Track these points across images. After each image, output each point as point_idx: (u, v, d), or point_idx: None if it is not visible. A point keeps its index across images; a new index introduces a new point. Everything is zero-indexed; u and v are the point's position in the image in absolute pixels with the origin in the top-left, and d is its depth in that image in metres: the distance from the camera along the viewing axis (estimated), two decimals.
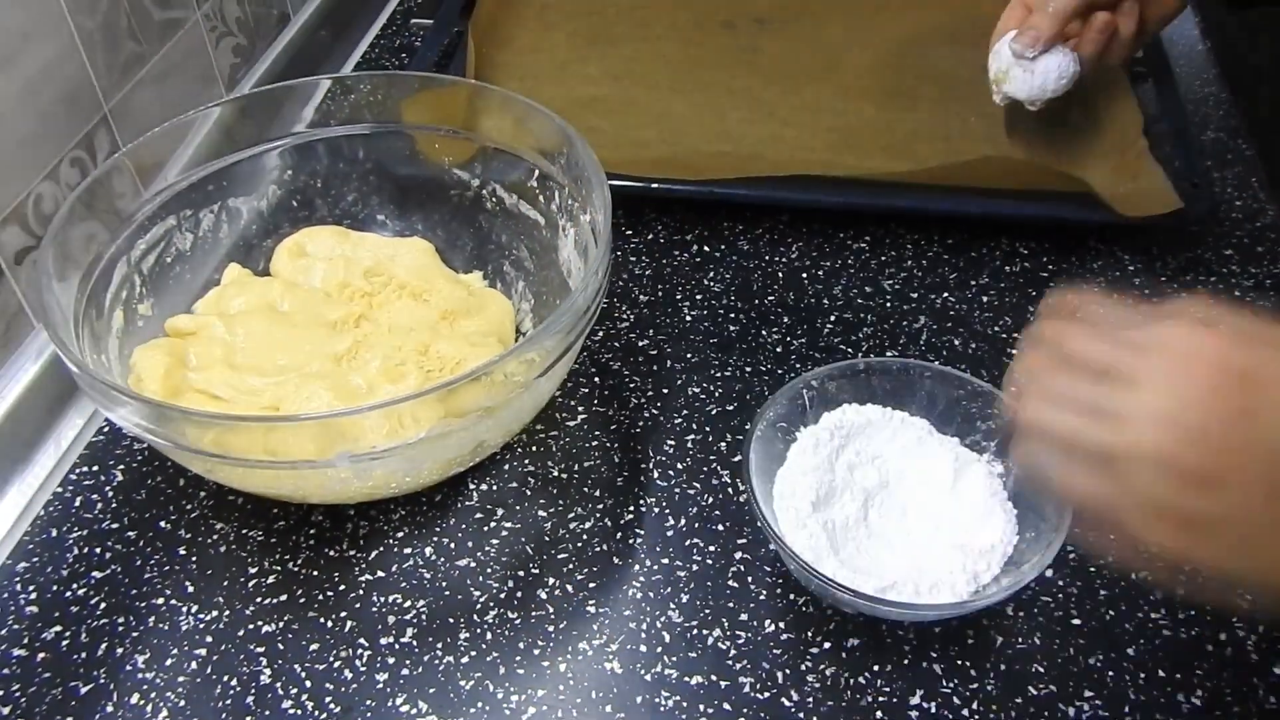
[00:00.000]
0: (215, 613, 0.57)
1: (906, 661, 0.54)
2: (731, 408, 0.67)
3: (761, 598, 0.57)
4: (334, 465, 0.52)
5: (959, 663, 0.54)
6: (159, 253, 0.67)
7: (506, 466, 0.64)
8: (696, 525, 0.61)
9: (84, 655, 0.56)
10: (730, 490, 0.63)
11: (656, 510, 0.62)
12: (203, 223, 0.70)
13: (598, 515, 0.62)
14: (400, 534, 0.61)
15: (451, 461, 0.58)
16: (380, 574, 0.59)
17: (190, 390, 0.61)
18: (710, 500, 0.62)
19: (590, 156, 0.62)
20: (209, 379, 0.61)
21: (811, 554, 0.54)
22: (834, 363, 0.61)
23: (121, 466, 0.65)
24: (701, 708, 0.53)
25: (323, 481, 0.55)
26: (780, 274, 0.76)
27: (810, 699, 0.53)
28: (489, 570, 0.59)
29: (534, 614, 0.57)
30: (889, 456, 0.60)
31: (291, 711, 0.53)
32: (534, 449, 0.65)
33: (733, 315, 0.73)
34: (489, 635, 0.56)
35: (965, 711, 0.52)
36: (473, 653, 0.56)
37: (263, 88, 0.71)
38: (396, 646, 0.56)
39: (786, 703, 0.53)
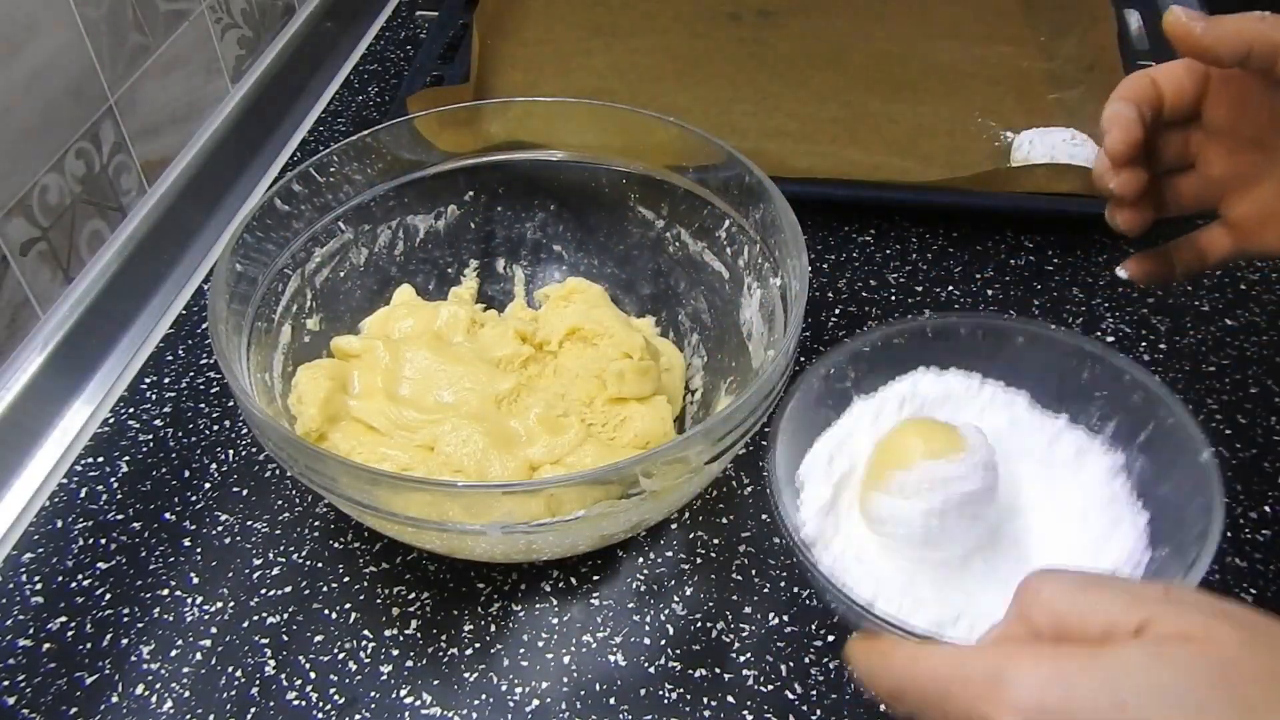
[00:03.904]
0: (220, 604, 0.58)
1: None
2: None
3: (765, 590, 0.57)
4: (485, 534, 0.50)
5: None
6: (333, 266, 0.66)
7: None
8: (700, 518, 0.61)
9: (89, 646, 0.56)
10: (735, 483, 0.63)
11: None
12: (379, 239, 0.68)
13: None
14: None
15: (608, 536, 0.55)
16: (384, 566, 0.59)
17: (348, 418, 0.60)
18: (715, 493, 0.62)
19: (791, 219, 0.57)
20: (367, 409, 0.60)
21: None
22: (896, 323, 0.49)
23: (126, 458, 0.65)
24: (705, 700, 0.53)
25: (472, 544, 0.54)
26: None
27: (814, 692, 0.53)
28: (492, 563, 0.59)
29: (538, 606, 0.57)
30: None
31: (296, 703, 0.53)
32: None
33: None
34: (493, 627, 0.56)
35: None
36: (476, 645, 0.56)
37: (465, 104, 0.69)
38: (400, 638, 0.56)
39: (790, 695, 0.53)
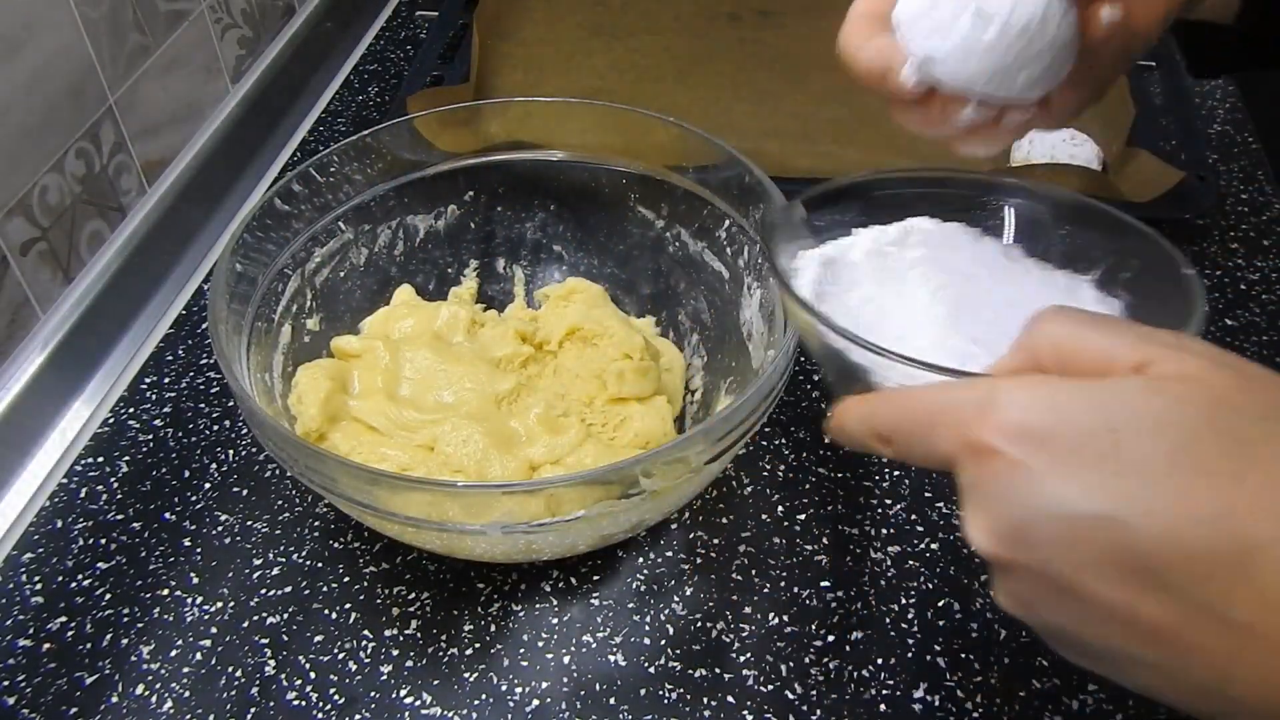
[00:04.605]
0: (220, 604, 0.58)
1: (910, 655, 0.54)
2: None
3: (765, 590, 0.57)
4: (485, 534, 0.50)
5: (962, 656, 0.54)
6: (333, 266, 0.66)
7: None
8: (700, 518, 0.61)
9: (89, 646, 0.56)
10: (735, 483, 0.63)
11: None
12: (379, 239, 0.68)
13: None
14: None
15: (608, 536, 0.55)
16: (385, 566, 0.59)
17: (348, 418, 0.60)
18: (715, 493, 0.62)
19: None
20: (367, 409, 0.60)
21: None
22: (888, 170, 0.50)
23: (126, 458, 0.65)
24: (705, 700, 0.53)
25: (471, 544, 0.54)
26: None
27: (814, 692, 0.53)
28: (492, 563, 0.59)
29: (538, 606, 0.57)
30: (976, 274, 0.45)
31: (295, 703, 0.53)
32: None
33: None
34: (493, 627, 0.56)
35: (969, 705, 0.52)
36: (477, 645, 0.56)
37: (465, 104, 0.69)
38: (401, 638, 0.56)
39: (790, 695, 0.53)
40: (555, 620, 0.57)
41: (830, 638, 0.55)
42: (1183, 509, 0.28)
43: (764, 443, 0.65)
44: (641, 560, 0.59)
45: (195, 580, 0.59)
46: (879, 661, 0.54)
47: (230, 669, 0.55)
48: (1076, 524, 0.29)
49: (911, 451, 0.34)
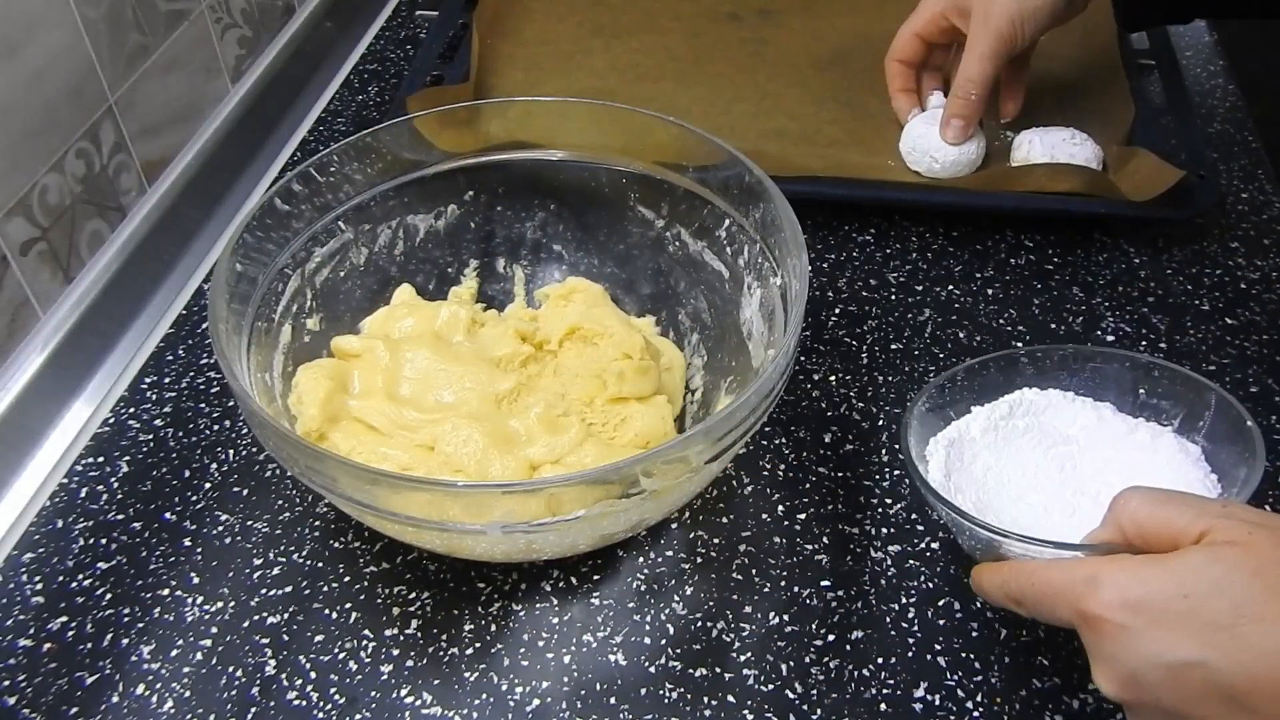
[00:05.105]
0: (220, 604, 0.58)
1: (911, 654, 0.54)
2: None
3: (765, 590, 0.57)
4: (485, 533, 0.50)
5: (963, 655, 0.54)
6: (333, 266, 0.66)
7: None
8: (700, 518, 0.61)
9: (89, 646, 0.56)
10: (735, 483, 0.63)
11: None
12: (379, 238, 0.68)
13: None
14: None
15: (608, 536, 0.56)
16: (385, 565, 0.59)
17: (348, 418, 0.60)
18: (715, 493, 0.62)
19: (791, 218, 0.58)
20: (367, 409, 0.60)
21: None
22: (988, 353, 0.59)
23: (127, 458, 0.65)
24: (705, 700, 0.53)
25: (472, 543, 0.54)
26: None
27: (814, 691, 0.53)
28: (493, 563, 0.59)
29: (538, 606, 0.57)
30: (1075, 436, 0.56)
31: (296, 703, 0.53)
32: None
33: None
34: (493, 627, 0.56)
35: (969, 704, 0.52)
36: (477, 644, 0.56)
37: (465, 104, 0.69)
38: (401, 638, 0.56)
39: (790, 695, 0.53)
40: (555, 620, 0.57)
41: (830, 637, 0.55)
42: (1248, 649, 0.37)
43: (764, 443, 0.65)
44: (641, 560, 0.59)
45: (195, 580, 0.59)
46: (879, 661, 0.54)
47: (231, 669, 0.55)
48: (1174, 669, 0.39)
49: (1039, 614, 0.45)
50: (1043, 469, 0.55)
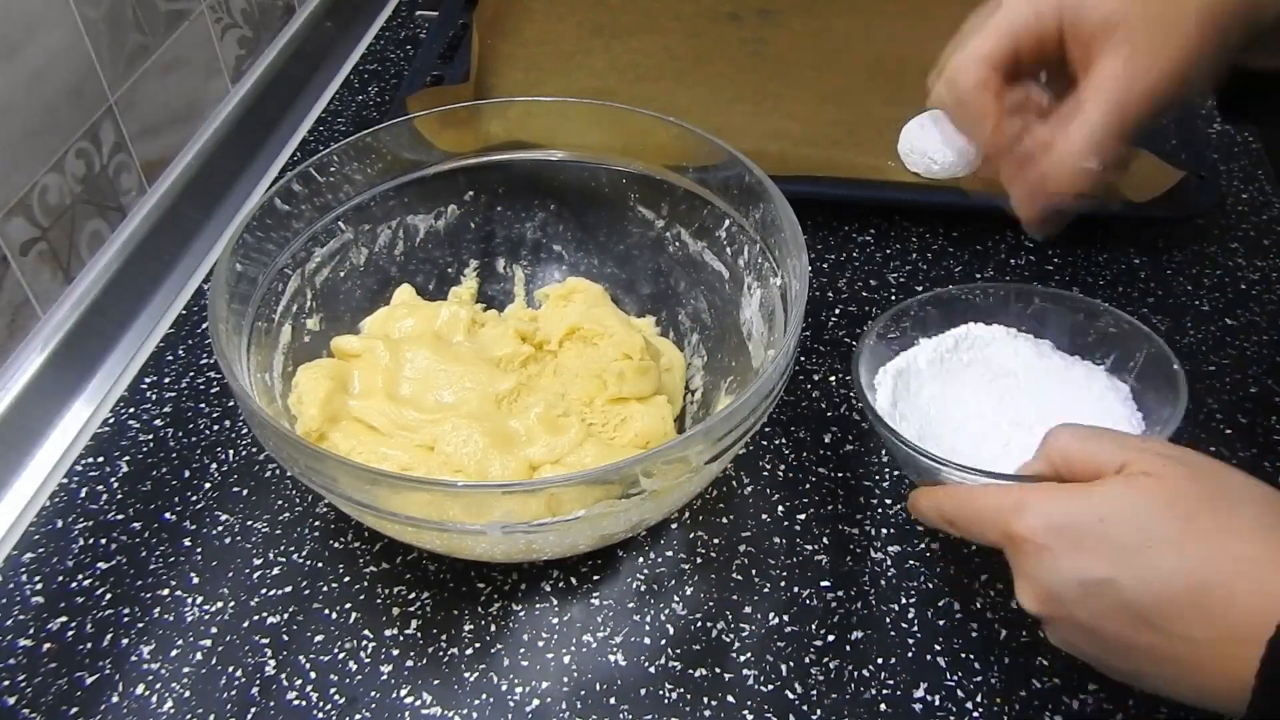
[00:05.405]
0: (220, 604, 0.58)
1: (911, 654, 0.54)
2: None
3: (765, 590, 0.57)
4: (485, 533, 0.50)
5: (963, 655, 0.54)
6: (333, 266, 0.66)
7: None
8: (700, 518, 0.61)
9: (89, 646, 0.56)
10: (735, 483, 0.63)
11: None
12: (379, 238, 0.68)
13: None
14: None
15: (608, 536, 0.56)
16: (385, 565, 0.59)
17: (348, 418, 0.60)
18: (715, 493, 0.62)
19: (791, 219, 0.58)
20: (367, 409, 0.60)
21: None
22: (934, 290, 0.62)
23: (126, 458, 0.65)
24: (705, 700, 0.53)
25: (471, 544, 0.54)
26: None
27: (814, 692, 0.53)
28: (493, 563, 0.59)
29: (538, 606, 0.57)
30: (1015, 369, 0.59)
31: (296, 703, 0.53)
32: None
33: None
34: (493, 627, 0.56)
35: (969, 704, 0.52)
36: (477, 644, 0.56)
37: (465, 104, 0.69)
38: (401, 638, 0.56)
39: (790, 695, 0.53)
40: (555, 620, 0.57)
41: (830, 637, 0.55)
42: (1153, 570, 0.40)
43: (764, 443, 0.65)
44: (641, 560, 0.59)
45: (195, 580, 0.59)
46: (879, 661, 0.54)
47: (230, 669, 0.55)
48: (1088, 586, 0.42)
49: (969, 534, 0.48)
50: (983, 400, 0.58)
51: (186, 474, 0.64)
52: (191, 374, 0.71)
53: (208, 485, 0.64)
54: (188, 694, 0.54)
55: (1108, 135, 0.47)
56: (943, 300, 0.62)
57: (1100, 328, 0.60)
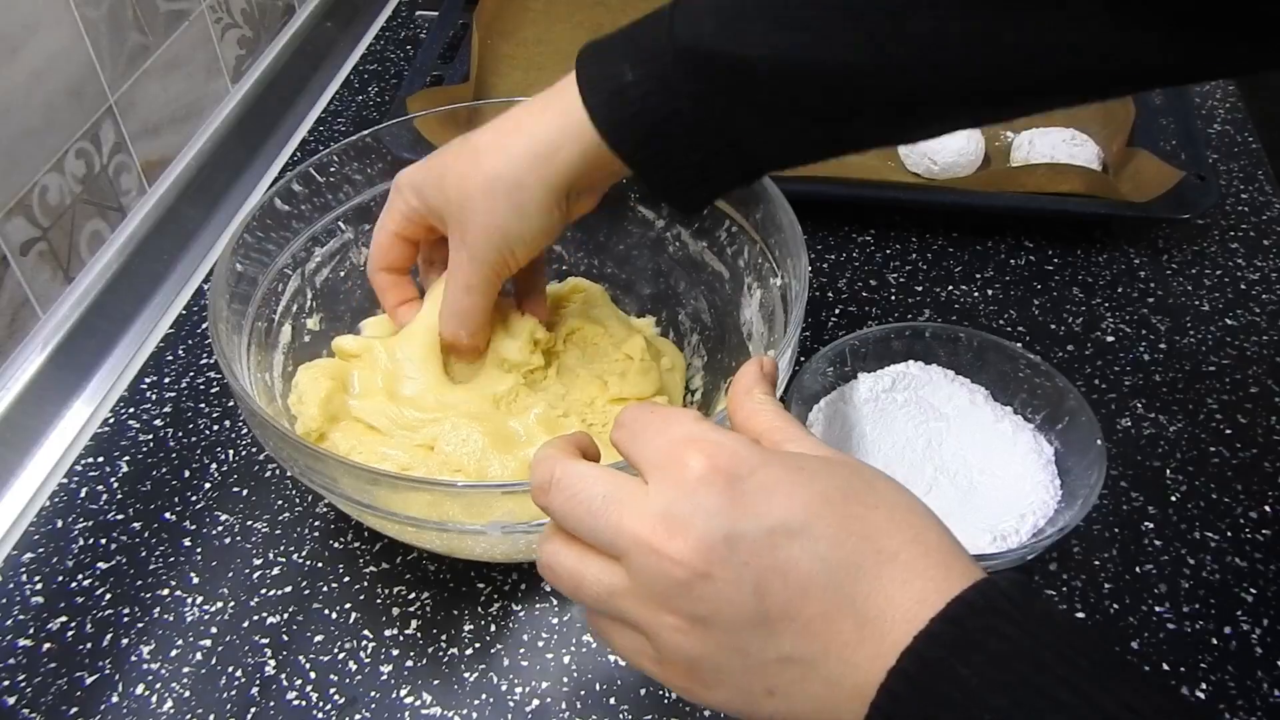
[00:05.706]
0: (220, 604, 0.58)
1: None
2: None
3: None
4: (485, 534, 0.50)
5: None
6: (333, 266, 0.66)
7: None
8: None
9: (89, 646, 0.56)
10: None
11: None
12: None
13: None
14: None
15: None
16: (385, 566, 0.59)
17: (348, 418, 0.60)
18: None
19: (791, 219, 0.58)
20: (367, 408, 0.60)
21: None
22: (893, 323, 0.64)
23: (126, 458, 0.65)
24: None
25: (471, 544, 0.53)
26: None
27: None
28: (492, 563, 0.59)
29: (538, 606, 0.57)
30: (948, 414, 0.61)
31: (295, 703, 0.53)
32: None
33: None
34: (493, 627, 0.56)
35: None
36: (477, 644, 0.56)
37: (465, 104, 0.69)
38: (401, 638, 0.56)
39: None
40: (555, 620, 0.57)
41: None
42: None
43: None
44: None
45: (195, 580, 0.59)
46: None
47: (230, 669, 0.55)
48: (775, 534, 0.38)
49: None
50: (912, 443, 0.60)
51: (186, 474, 0.64)
52: (191, 374, 0.71)
53: (208, 485, 0.64)
54: (188, 694, 0.54)
55: (458, 311, 0.58)
56: (881, 339, 0.64)
57: (1035, 383, 0.61)
